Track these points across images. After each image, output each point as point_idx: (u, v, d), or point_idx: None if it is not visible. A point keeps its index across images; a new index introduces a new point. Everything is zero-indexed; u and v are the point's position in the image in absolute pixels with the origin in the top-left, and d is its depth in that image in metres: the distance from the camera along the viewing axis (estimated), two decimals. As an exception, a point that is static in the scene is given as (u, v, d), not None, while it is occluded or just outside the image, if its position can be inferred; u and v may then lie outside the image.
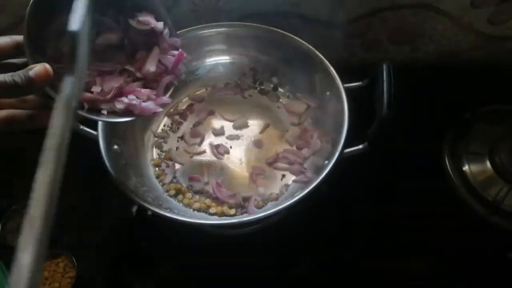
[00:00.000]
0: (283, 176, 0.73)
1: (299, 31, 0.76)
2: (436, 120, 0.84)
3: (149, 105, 0.55)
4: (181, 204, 0.71)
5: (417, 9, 0.82)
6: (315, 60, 0.73)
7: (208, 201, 0.70)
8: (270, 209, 0.57)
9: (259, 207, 0.69)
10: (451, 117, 0.85)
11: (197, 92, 0.85)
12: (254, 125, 0.80)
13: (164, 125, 0.81)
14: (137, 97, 0.55)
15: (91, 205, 0.80)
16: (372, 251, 0.73)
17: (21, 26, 0.44)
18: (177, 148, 0.78)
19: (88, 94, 0.52)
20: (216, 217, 0.69)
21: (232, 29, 0.78)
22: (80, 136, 0.65)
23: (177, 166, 0.75)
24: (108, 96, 0.53)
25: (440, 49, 0.92)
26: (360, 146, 0.62)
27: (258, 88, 0.84)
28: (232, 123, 0.80)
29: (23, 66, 0.43)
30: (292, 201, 0.57)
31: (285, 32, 0.75)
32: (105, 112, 0.53)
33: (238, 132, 0.79)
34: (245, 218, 0.60)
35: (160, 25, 0.55)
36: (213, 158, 0.75)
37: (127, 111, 0.55)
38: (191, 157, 0.76)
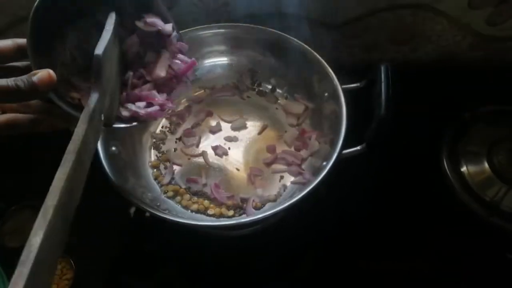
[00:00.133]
0: (281, 177, 0.73)
1: (297, 32, 0.76)
2: (434, 120, 0.84)
3: (155, 110, 0.55)
4: (179, 206, 0.71)
5: (416, 10, 0.82)
6: (313, 61, 0.73)
7: (206, 202, 0.70)
8: (268, 211, 0.57)
9: (257, 209, 0.69)
10: (449, 117, 0.85)
11: (196, 93, 0.85)
12: (252, 126, 0.80)
13: (162, 127, 0.81)
14: (147, 103, 0.55)
15: (89, 206, 0.79)
16: (371, 252, 0.73)
17: (20, 27, 0.44)
18: (175, 149, 0.77)
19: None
20: (214, 218, 0.69)
21: (231, 31, 0.79)
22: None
23: (175, 167, 0.75)
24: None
25: (438, 50, 0.92)
26: (358, 147, 0.62)
27: (257, 89, 0.84)
28: (230, 124, 0.80)
29: (26, 69, 0.43)
30: (290, 202, 0.57)
31: (284, 33, 0.75)
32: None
33: (236, 133, 0.79)
34: (243, 219, 0.60)
35: (168, 27, 0.55)
36: (211, 160, 0.75)
37: (132, 117, 0.55)
38: (189, 158, 0.76)
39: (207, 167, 0.74)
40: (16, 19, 0.78)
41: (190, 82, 0.59)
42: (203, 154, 0.76)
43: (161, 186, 0.73)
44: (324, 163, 0.64)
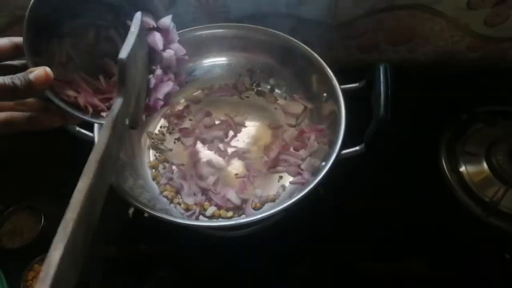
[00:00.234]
0: (280, 177, 0.73)
1: (296, 32, 0.76)
2: (432, 120, 0.84)
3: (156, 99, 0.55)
4: (178, 206, 0.70)
5: (414, 10, 0.82)
6: (312, 61, 0.73)
7: (205, 203, 0.70)
8: (267, 211, 0.57)
9: (256, 209, 0.69)
10: (448, 118, 0.85)
11: (194, 93, 0.85)
12: (251, 126, 0.80)
13: (160, 127, 0.81)
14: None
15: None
16: (370, 252, 0.73)
17: (19, 26, 0.44)
18: (173, 149, 0.77)
19: (94, 99, 0.52)
20: (213, 219, 0.69)
21: (229, 31, 0.78)
22: (76, 138, 0.64)
23: (174, 168, 0.75)
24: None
25: (436, 50, 0.93)
26: (357, 147, 0.62)
27: (255, 90, 0.84)
28: (229, 124, 0.80)
29: (22, 67, 0.43)
30: (289, 202, 0.57)
31: (282, 34, 0.75)
32: (104, 114, 0.53)
33: (234, 133, 0.79)
34: (242, 220, 0.60)
35: (166, 20, 0.54)
36: (210, 160, 0.75)
37: None
38: (188, 158, 0.76)
39: (206, 168, 0.74)
40: (14, 19, 0.78)
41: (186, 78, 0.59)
42: (202, 154, 0.76)
43: (159, 186, 0.73)
44: (323, 163, 0.64)
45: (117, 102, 0.42)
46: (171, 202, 0.71)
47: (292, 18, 0.83)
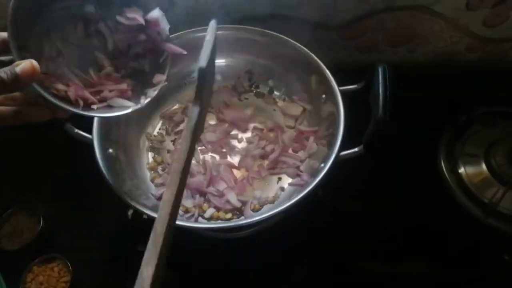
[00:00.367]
0: (279, 179, 0.73)
1: (294, 33, 0.76)
2: (432, 122, 0.84)
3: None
4: (177, 208, 0.70)
5: (413, 11, 0.82)
6: (310, 62, 0.73)
7: (204, 205, 0.70)
8: (266, 213, 0.57)
9: (255, 211, 0.69)
10: (447, 119, 0.85)
11: (193, 95, 0.84)
12: (250, 128, 0.80)
13: (159, 128, 0.81)
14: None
15: (86, 208, 0.80)
16: (369, 254, 0.73)
17: (7, 22, 0.43)
18: (172, 151, 0.77)
19: (84, 92, 0.52)
20: (212, 220, 0.69)
21: (228, 32, 0.78)
22: (75, 139, 0.64)
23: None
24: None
25: (436, 51, 0.92)
26: (356, 149, 0.62)
27: (254, 91, 0.84)
28: (227, 126, 0.80)
29: (10, 63, 0.43)
30: (288, 204, 0.57)
31: (281, 35, 0.75)
32: (95, 107, 0.53)
33: (233, 135, 0.79)
34: (242, 221, 0.60)
35: (155, 13, 0.54)
36: (209, 161, 0.75)
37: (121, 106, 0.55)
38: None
39: (205, 169, 0.74)
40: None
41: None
42: (200, 156, 0.76)
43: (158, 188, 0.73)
44: (322, 164, 0.64)
45: (195, 111, 0.42)
46: (170, 203, 0.71)
47: (290, 19, 0.83)
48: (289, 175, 0.73)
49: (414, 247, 0.74)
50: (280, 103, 0.82)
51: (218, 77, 0.84)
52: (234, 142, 0.78)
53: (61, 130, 0.64)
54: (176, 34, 0.75)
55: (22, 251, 0.70)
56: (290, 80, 0.80)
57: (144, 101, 0.56)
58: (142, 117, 0.79)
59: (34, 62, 0.42)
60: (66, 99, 0.49)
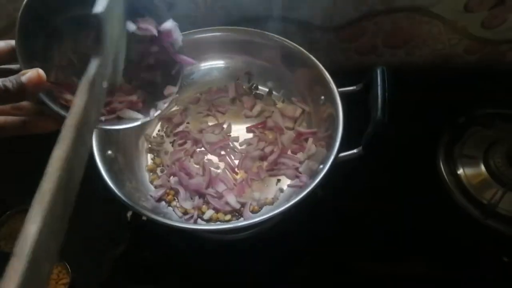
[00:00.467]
0: (278, 180, 0.73)
1: (293, 35, 0.76)
2: (430, 123, 0.84)
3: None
4: (176, 210, 0.70)
5: (412, 13, 0.82)
6: (309, 64, 0.73)
7: (203, 206, 0.70)
8: (265, 214, 0.57)
9: (254, 212, 0.69)
10: (446, 120, 0.85)
11: (192, 96, 0.85)
12: (249, 129, 0.80)
13: (158, 130, 0.81)
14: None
15: (85, 210, 0.79)
16: (368, 255, 0.73)
17: (15, 31, 0.43)
18: (171, 152, 0.77)
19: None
20: (211, 222, 0.69)
21: (227, 34, 0.79)
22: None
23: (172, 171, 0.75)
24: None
25: (434, 53, 0.93)
26: (355, 150, 0.62)
27: (253, 92, 0.84)
28: (226, 127, 0.80)
29: (19, 71, 0.42)
30: (287, 205, 0.57)
31: (280, 37, 0.76)
32: (103, 118, 0.52)
33: (233, 136, 0.79)
34: (241, 223, 0.60)
35: (168, 24, 0.54)
36: (208, 163, 0.75)
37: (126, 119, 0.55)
38: (186, 162, 0.76)
39: (203, 171, 0.74)
40: (13, 21, 0.78)
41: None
42: (199, 157, 0.76)
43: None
44: (321, 166, 0.64)
45: (94, 63, 0.39)
46: (169, 205, 0.71)
47: (290, 21, 0.83)
48: (288, 177, 0.73)
49: (414, 248, 0.74)
50: (279, 105, 0.83)
51: (218, 79, 0.84)
52: (233, 144, 0.78)
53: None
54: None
55: (21, 253, 0.70)
56: (289, 81, 0.80)
57: (154, 114, 0.56)
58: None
59: (41, 71, 0.41)
60: None
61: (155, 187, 0.73)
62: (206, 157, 0.76)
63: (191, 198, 0.71)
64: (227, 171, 0.74)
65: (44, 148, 0.86)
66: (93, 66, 0.38)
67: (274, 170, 0.74)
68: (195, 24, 0.79)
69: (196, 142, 0.78)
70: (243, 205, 0.69)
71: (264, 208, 0.70)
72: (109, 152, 0.67)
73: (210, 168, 0.73)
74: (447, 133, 0.83)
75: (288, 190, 0.72)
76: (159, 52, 0.57)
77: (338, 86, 0.69)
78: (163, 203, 0.71)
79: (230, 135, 0.79)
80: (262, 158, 0.75)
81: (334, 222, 0.76)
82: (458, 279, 0.70)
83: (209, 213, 0.69)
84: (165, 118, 0.81)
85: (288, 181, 0.73)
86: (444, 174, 0.78)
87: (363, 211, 0.77)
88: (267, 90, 0.84)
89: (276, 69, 0.81)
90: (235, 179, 0.73)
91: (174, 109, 0.83)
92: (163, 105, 0.57)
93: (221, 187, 0.71)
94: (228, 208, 0.69)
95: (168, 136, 0.80)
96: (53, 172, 0.29)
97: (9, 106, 0.46)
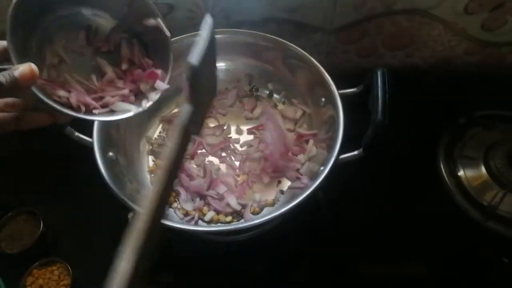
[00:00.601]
0: (279, 182, 0.73)
1: (294, 37, 0.76)
2: (430, 125, 0.84)
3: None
4: (177, 211, 0.70)
5: (412, 15, 0.83)
6: (310, 66, 0.73)
7: (204, 208, 0.70)
8: (266, 216, 0.57)
9: (255, 214, 0.69)
10: (446, 122, 0.85)
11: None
12: (250, 131, 0.80)
13: (159, 132, 0.81)
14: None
15: (87, 212, 0.80)
16: (368, 256, 0.73)
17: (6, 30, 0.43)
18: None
19: (86, 98, 0.52)
20: (212, 224, 0.69)
21: (228, 36, 0.79)
22: (76, 143, 0.65)
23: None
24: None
25: (434, 55, 0.93)
26: (355, 152, 0.63)
27: (254, 94, 0.85)
28: (227, 129, 0.80)
29: None
30: (288, 207, 0.57)
31: (280, 39, 0.76)
32: (97, 111, 0.53)
33: (233, 138, 0.79)
34: (242, 224, 0.60)
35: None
36: (209, 165, 0.75)
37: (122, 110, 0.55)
38: (186, 163, 0.76)
39: (205, 172, 0.74)
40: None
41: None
42: (200, 159, 0.76)
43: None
44: (322, 168, 0.64)
45: (186, 110, 0.40)
46: (170, 207, 0.71)
47: (290, 23, 0.83)
48: (288, 178, 0.73)
49: (414, 249, 0.74)
50: (280, 106, 0.83)
51: (219, 80, 0.84)
52: (234, 145, 0.78)
53: (62, 134, 0.64)
54: (176, 38, 0.75)
55: (22, 255, 0.70)
56: (289, 83, 0.81)
57: (146, 104, 0.56)
58: (142, 121, 0.80)
59: (33, 66, 0.42)
60: (68, 105, 0.49)
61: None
62: (207, 159, 0.76)
63: (192, 200, 0.71)
64: (228, 173, 0.74)
65: (45, 151, 0.86)
66: (185, 112, 0.40)
67: (275, 172, 0.74)
68: (195, 27, 0.80)
69: (198, 144, 0.78)
70: (244, 206, 0.70)
71: (265, 210, 0.70)
72: (111, 153, 0.67)
73: (211, 170, 0.73)
74: (447, 135, 0.83)
75: (289, 191, 0.72)
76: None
77: (338, 88, 0.69)
78: (164, 204, 0.71)
79: (230, 137, 0.79)
80: (263, 159, 0.75)
81: (335, 223, 0.76)
82: (458, 281, 0.70)
83: (210, 214, 0.69)
84: (166, 120, 0.81)
85: (289, 183, 0.73)
86: (445, 175, 0.78)
87: (364, 212, 0.77)
88: (267, 92, 0.84)
89: (276, 71, 0.81)
90: (236, 181, 0.73)
91: (174, 111, 0.83)
92: (155, 96, 0.57)
93: (222, 189, 0.71)
94: (229, 210, 0.69)
95: (169, 138, 0.80)
96: (145, 213, 0.32)
97: (2, 104, 0.46)
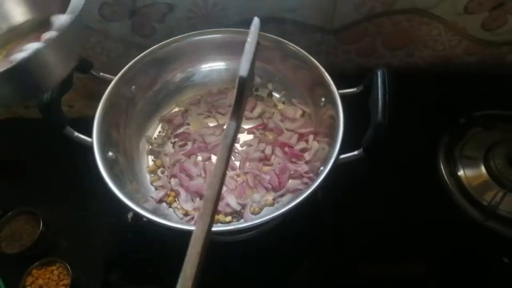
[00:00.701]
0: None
1: (294, 37, 0.76)
2: (430, 125, 0.84)
3: None
4: (176, 211, 0.70)
5: (412, 15, 0.82)
6: (310, 66, 0.73)
7: (204, 208, 0.70)
8: (266, 216, 0.57)
9: (255, 214, 0.69)
10: (446, 122, 0.85)
11: (193, 98, 0.85)
12: (250, 130, 0.80)
13: (159, 132, 0.81)
14: None
15: (86, 211, 0.80)
16: (368, 256, 0.73)
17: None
18: (172, 154, 0.77)
19: None
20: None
21: (227, 36, 0.79)
22: (75, 143, 0.65)
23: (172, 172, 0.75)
24: None
25: (434, 55, 0.93)
26: (356, 152, 0.62)
27: (254, 94, 0.84)
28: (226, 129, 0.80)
29: None
30: (287, 207, 0.57)
31: (280, 38, 0.76)
32: None
33: (233, 138, 0.79)
34: (241, 225, 0.60)
35: None
36: (208, 164, 0.75)
37: None
38: (186, 163, 0.76)
39: (205, 172, 0.74)
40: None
41: None
42: (200, 159, 0.76)
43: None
44: (321, 168, 0.64)
45: (232, 127, 0.39)
46: (170, 206, 0.71)
47: (290, 23, 0.83)
48: (289, 178, 0.73)
49: (414, 249, 0.74)
50: (280, 106, 0.83)
51: (218, 80, 0.84)
52: (234, 145, 0.78)
53: (62, 134, 0.64)
54: (176, 38, 0.75)
55: (22, 255, 0.70)
56: (289, 83, 0.81)
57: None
58: (142, 120, 0.80)
59: None
60: None
61: (156, 188, 0.73)
62: (207, 159, 0.76)
63: (192, 200, 0.71)
64: (227, 173, 0.74)
65: (45, 151, 0.86)
66: (231, 129, 0.39)
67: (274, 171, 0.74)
68: (195, 27, 0.80)
69: (196, 143, 0.78)
70: (243, 206, 0.70)
71: (265, 210, 0.70)
72: (110, 153, 0.67)
73: (210, 170, 0.73)
74: (447, 134, 0.83)
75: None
76: None
77: (338, 88, 0.69)
78: (164, 204, 0.71)
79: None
80: (263, 159, 0.75)
81: (335, 223, 0.76)
82: (458, 280, 0.70)
83: (209, 214, 0.69)
84: (166, 120, 0.81)
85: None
86: (445, 175, 0.78)
87: (363, 212, 0.77)
88: (267, 91, 0.84)
89: (276, 70, 0.81)
90: (236, 181, 0.73)
91: (174, 110, 0.83)
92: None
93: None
94: (228, 210, 0.69)
95: (168, 137, 0.80)
96: (195, 255, 0.34)
97: None
